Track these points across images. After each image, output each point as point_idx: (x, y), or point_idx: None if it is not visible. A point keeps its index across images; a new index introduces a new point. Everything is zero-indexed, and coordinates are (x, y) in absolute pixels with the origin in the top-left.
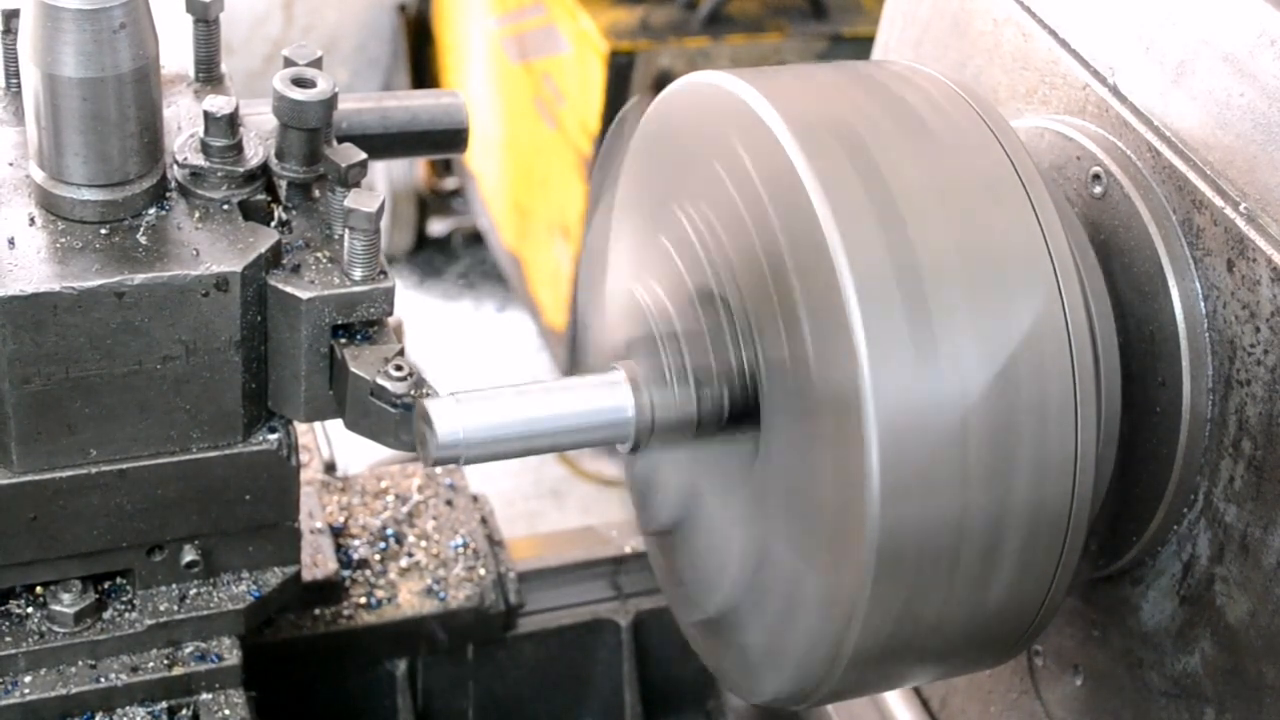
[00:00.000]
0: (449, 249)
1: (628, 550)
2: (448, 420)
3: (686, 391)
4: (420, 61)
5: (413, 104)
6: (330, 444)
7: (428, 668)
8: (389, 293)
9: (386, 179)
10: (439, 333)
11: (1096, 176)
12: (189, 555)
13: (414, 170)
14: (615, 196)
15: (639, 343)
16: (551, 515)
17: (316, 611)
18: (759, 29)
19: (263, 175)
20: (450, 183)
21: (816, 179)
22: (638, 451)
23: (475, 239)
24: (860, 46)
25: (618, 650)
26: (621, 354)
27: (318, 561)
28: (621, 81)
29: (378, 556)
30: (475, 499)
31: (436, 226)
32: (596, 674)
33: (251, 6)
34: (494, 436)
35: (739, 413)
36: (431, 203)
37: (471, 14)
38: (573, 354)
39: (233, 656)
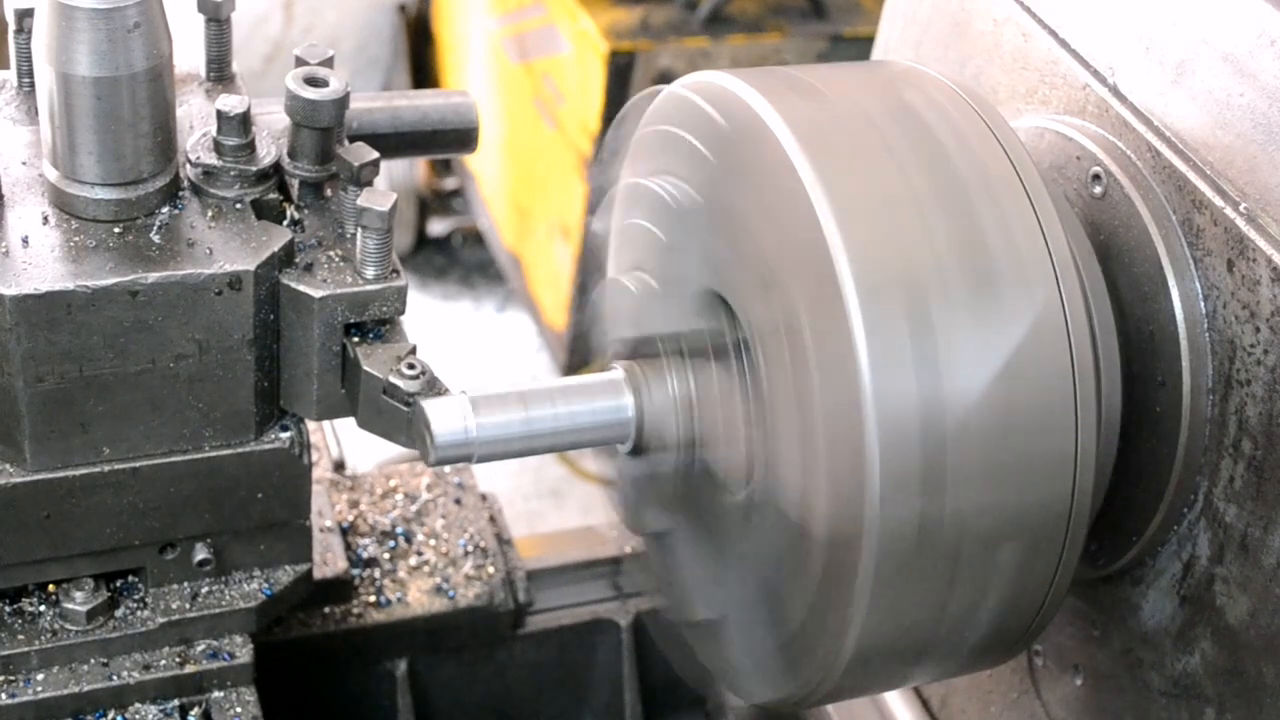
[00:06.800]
0: (449, 249)
1: (628, 550)
2: (447, 421)
3: (686, 392)
4: (420, 61)
5: (423, 103)
6: (339, 443)
7: (428, 668)
8: (401, 291)
9: (386, 179)
10: (439, 333)
11: (1096, 176)
12: (201, 553)
13: (414, 170)
14: (615, 195)
15: (639, 343)
16: (551, 515)
17: (326, 610)
18: (759, 29)
19: (275, 174)
20: (450, 183)
21: (817, 179)
22: (639, 453)
23: (475, 239)
24: (860, 46)
25: (618, 650)
26: (622, 354)
27: (327, 560)
28: (621, 81)
29: (387, 555)
30: (484, 497)
31: (436, 226)
32: (596, 674)
33: (251, 6)
34: (493, 437)
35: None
36: (431, 203)
37: (471, 14)
38: (573, 354)
39: (244, 654)
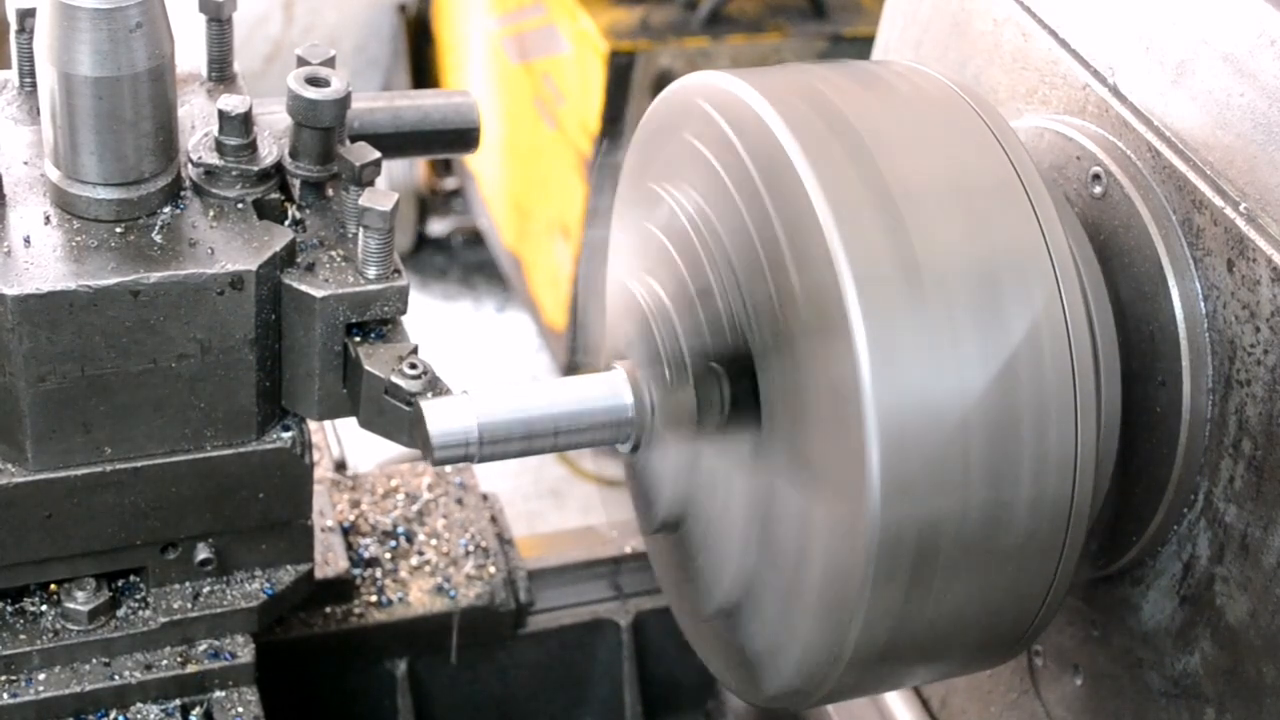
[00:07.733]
0: (449, 249)
1: (628, 550)
2: (448, 421)
3: (686, 390)
4: (420, 61)
5: (424, 103)
6: (340, 442)
7: (428, 668)
8: (403, 291)
9: (386, 179)
10: (439, 333)
11: (1096, 176)
12: (202, 553)
13: (414, 170)
14: (621, 193)
15: (639, 341)
16: (551, 515)
17: (327, 610)
18: (759, 29)
19: (277, 174)
20: (450, 183)
21: (816, 179)
22: (638, 451)
23: (475, 239)
24: (860, 46)
25: (618, 650)
26: (622, 353)
27: (328, 560)
28: (621, 81)
29: (388, 555)
30: (485, 497)
31: (436, 226)
32: (596, 674)
33: (251, 6)
34: (494, 437)
35: (739, 410)
36: (431, 203)
37: (471, 14)
38: (573, 353)
39: (246, 654)
